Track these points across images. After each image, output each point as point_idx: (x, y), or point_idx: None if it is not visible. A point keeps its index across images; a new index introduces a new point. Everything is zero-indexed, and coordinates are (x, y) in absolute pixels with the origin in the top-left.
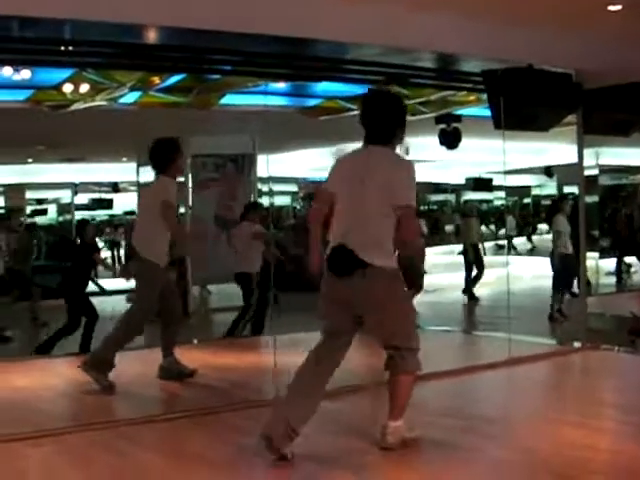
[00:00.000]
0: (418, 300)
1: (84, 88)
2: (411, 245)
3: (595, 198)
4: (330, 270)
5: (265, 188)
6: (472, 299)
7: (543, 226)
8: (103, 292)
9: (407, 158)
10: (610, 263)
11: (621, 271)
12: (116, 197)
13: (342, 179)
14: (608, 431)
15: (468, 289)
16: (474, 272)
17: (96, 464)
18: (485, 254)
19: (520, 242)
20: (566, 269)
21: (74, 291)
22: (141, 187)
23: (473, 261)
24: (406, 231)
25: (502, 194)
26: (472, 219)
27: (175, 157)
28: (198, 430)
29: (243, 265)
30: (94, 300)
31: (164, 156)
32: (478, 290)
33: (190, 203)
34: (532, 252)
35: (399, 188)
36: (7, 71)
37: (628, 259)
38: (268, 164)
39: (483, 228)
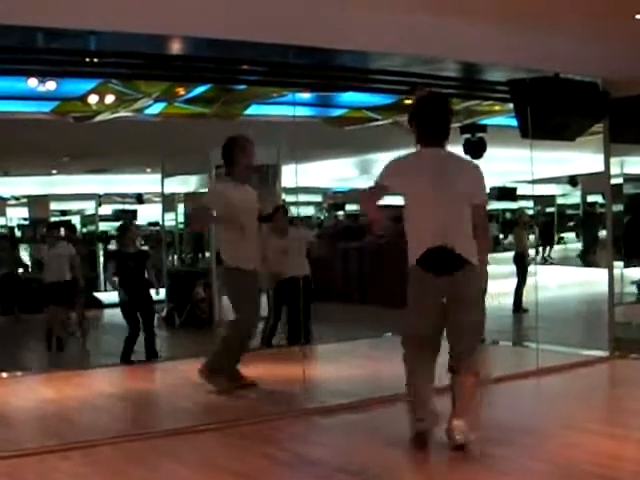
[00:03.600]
0: None
1: (109, 99)
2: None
3: (620, 207)
4: (429, 269)
5: (289, 198)
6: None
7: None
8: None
9: None
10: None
11: None
12: (140, 208)
13: (413, 180)
14: (637, 441)
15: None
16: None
17: (125, 476)
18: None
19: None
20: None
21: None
22: None
23: (526, 270)
24: (482, 228)
25: (527, 203)
26: (522, 228)
27: (235, 158)
28: (227, 442)
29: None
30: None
31: (225, 156)
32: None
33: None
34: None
35: (478, 188)
36: (32, 82)
37: None
38: (297, 174)
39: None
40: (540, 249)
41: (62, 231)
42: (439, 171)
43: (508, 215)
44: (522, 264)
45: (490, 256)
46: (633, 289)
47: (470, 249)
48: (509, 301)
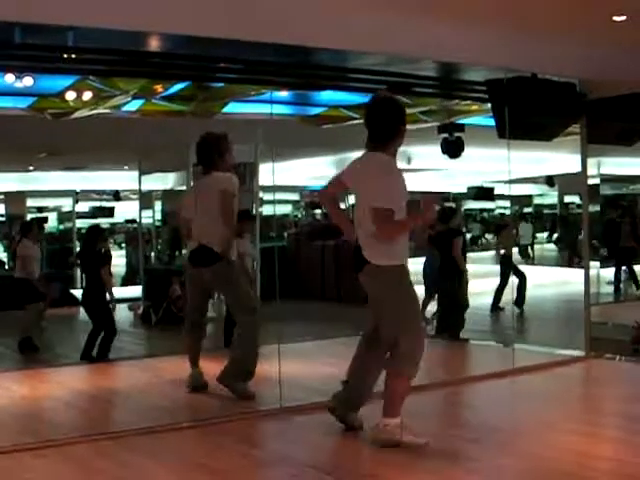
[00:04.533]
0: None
1: (87, 96)
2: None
3: (597, 207)
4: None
5: (267, 197)
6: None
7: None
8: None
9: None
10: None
11: (619, 280)
12: (117, 205)
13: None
14: (613, 440)
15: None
16: (515, 281)
17: (100, 475)
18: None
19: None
20: None
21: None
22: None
23: (511, 271)
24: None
25: (504, 203)
26: (508, 228)
27: (222, 152)
28: (203, 440)
29: None
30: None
31: (211, 152)
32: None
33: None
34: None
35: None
36: (9, 78)
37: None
38: (274, 173)
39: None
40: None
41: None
42: (358, 173)
43: (486, 215)
44: (508, 265)
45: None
46: (610, 289)
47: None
48: (486, 300)
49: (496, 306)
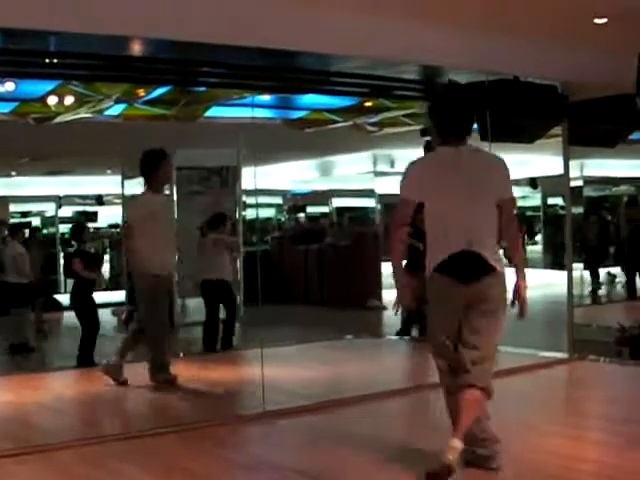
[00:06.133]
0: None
1: (69, 100)
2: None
3: (580, 209)
4: (453, 276)
5: (250, 200)
6: None
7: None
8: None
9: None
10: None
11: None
12: (101, 210)
13: (433, 184)
14: (596, 442)
15: None
16: None
17: None
18: None
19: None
20: None
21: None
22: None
23: None
24: (513, 225)
25: None
26: None
27: (156, 168)
28: (185, 444)
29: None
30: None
31: (146, 167)
32: None
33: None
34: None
35: (507, 182)
36: None
37: (613, 270)
38: (256, 176)
39: None
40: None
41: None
42: (463, 168)
43: None
44: None
45: None
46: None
47: (496, 255)
48: None
49: None
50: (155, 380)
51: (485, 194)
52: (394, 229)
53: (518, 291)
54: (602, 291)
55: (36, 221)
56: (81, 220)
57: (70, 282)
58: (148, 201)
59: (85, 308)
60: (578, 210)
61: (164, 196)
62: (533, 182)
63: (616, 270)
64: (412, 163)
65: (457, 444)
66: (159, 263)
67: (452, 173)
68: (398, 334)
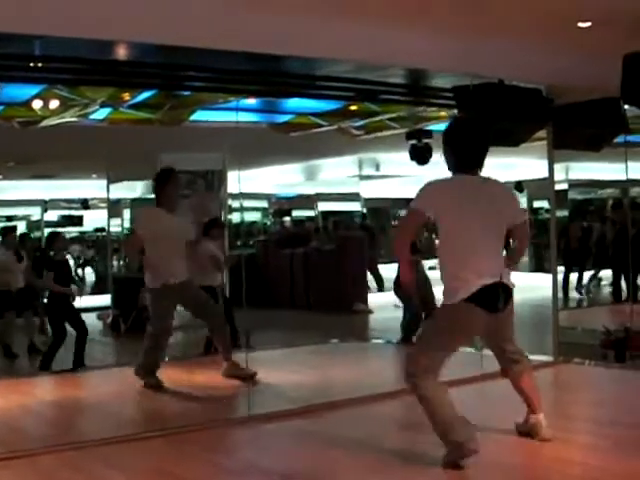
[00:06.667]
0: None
1: (54, 104)
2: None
3: (565, 212)
4: (483, 307)
5: (235, 204)
6: None
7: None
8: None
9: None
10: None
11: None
12: (86, 214)
13: (455, 207)
14: (581, 445)
15: None
16: None
17: None
18: None
19: None
20: None
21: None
22: None
23: None
24: (525, 244)
25: None
26: None
27: (161, 188)
28: (173, 449)
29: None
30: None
31: (154, 186)
32: None
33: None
34: None
35: (517, 206)
36: None
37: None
38: (240, 180)
39: None
40: None
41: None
42: (480, 198)
43: None
44: None
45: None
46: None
47: (509, 276)
48: None
49: None
50: (143, 381)
51: (502, 222)
52: (400, 244)
53: None
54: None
55: (22, 225)
56: (57, 230)
57: None
58: (158, 217)
59: (59, 317)
60: (563, 213)
61: (178, 217)
62: (519, 185)
63: (602, 273)
64: (431, 182)
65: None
66: (167, 273)
67: (473, 200)
68: (402, 340)
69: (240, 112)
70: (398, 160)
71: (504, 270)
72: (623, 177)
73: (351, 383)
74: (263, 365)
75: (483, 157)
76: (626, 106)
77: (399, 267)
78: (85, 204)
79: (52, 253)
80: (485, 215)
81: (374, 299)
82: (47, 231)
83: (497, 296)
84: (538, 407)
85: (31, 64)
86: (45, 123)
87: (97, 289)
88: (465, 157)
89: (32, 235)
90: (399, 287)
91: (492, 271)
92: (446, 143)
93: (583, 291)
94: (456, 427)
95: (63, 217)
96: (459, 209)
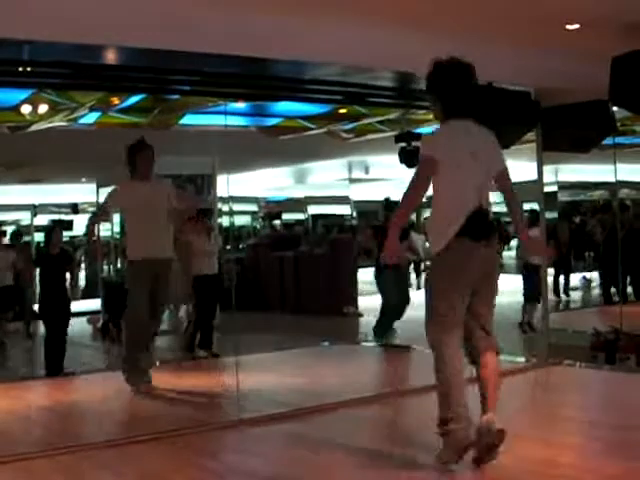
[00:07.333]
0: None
1: (43, 109)
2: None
3: (554, 214)
4: (471, 236)
5: (225, 208)
6: None
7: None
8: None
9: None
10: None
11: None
12: (76, 218)
13: (452, 151)
14: (571, 446)
15: None
16: None
17: None
18: None
19: None
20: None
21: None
22: None
23: None
24: (514, 194)
25: None
26: None
27: (132, 159)
28: (161, 453)
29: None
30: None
31: (127, 159)
32: None
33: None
34: None
35: (500, 153)
36: None
37: (589, 275)
38: (229, 184)
39: None
40: None
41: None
42: (470, 140)
43: None
44: None
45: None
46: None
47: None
48: None
49: None
50: (132, 384)
51: (488, 163)
52: (412, 197)
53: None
54: (576, 296)
55: (11, 230)
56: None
57: None
58: (132, 187)
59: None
60: (553, 215)
61: (152, 183)
62: None
63: (591, 275)
64: (433, 132)
65: (492, 415)
66: (148, 245)
67: (463, 142)
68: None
69: (229, 116)
70: (387, 163)
71: (489, 206)
72: (612, 179)
73: (341, 386)
74: (253, 368)
75: (472, 101)
76: (614, 108)
77: (387, 233)
78: (75, 208)
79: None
80: (475, 154)
81: (364, 302)
82: (37, 236)
83: (479, 222)
84: (492, 404)
85: (20, 69)
86: (34, 128)
87: (87, 293)
88: (454, 102)
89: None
90: (380, 273)
91: (477, 201)
92: (431, 90)
93: (570, 293)
94: (454, 402)
95: (53, 222)
96: (455, 151)
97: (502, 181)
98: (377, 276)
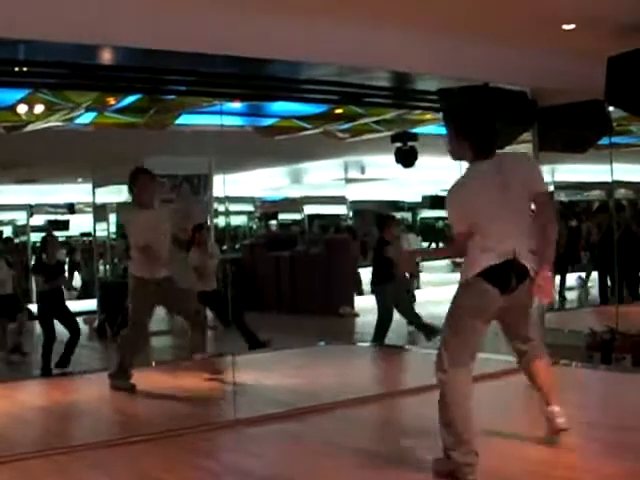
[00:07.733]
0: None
1: (39, 109)
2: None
3: None
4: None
5: (221, 208)
6: None
7: None
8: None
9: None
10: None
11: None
12: (72, 218)
13: (483, 206)
14: (568, 447)
15: None
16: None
17: None
18: None
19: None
20: None
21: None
22: None
23: None
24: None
25: None
26: None
27: (133, 187)
28: (158, 453)
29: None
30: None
31: (128, 187)
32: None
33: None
34: None
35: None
36: None
37: (584, 275)
38: (225, 184)
39: None
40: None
41: None
42: (502, 177)
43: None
44: None
45: (429, 264)
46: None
47: (531, 256)
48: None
49: None
50: (115, 385)
51: (520, 195)
52: (453, 249)
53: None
54: (572, 296)
55: (7, 230)
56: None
57: None
58: (133, 214)
59: (49, 316)
60: None
61: (154, 211)
62: None
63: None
64: (452, 188)
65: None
66: (150, 266)
67: (490, 184)
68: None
69: (225, 116)
70: (384, 163)
71: (524, 250)
72: (608, 179)
73: (337, 386)
74: (249, 368)
75: (496, 138)
76: (610, 108)
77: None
78: (71, 208)
79: (45, 256)
80: (501, 193)
81: (360, 302)
82: (33, 236)
83: (508, 275)
84: (555, 399)
85: (16, 68)
86: (30, 128)
87: (83, 293)
88: (482, 142)
89: (17, 240)
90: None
91: (506, 249)
92: (460, 132)
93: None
94: (462, 437)
95: (49, 222)
96: (479, 201)
97: (536, 205)
98: (375, 286)
